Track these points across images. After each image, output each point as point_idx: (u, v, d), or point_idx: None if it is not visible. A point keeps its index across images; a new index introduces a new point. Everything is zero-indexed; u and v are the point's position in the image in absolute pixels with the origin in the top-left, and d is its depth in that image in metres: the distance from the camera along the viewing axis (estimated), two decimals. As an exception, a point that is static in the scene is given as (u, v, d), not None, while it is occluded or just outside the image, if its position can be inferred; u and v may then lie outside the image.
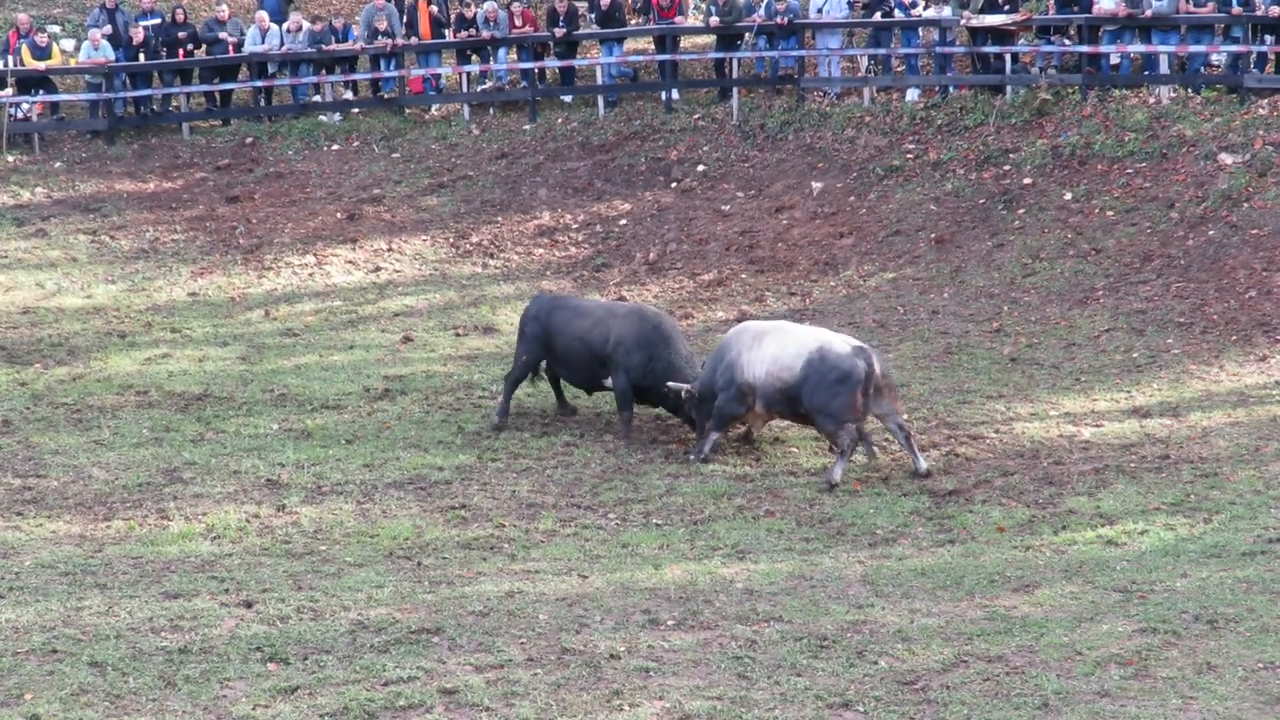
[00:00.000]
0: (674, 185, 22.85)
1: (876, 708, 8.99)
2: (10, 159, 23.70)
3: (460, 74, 24.73)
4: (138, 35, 24.24)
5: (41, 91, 24.14)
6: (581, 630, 10.23)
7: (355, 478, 14.11)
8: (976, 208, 21.25)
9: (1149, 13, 22.25)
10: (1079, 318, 18.56)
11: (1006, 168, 21.72)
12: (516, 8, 24.68)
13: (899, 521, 12.97)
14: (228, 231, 22.18)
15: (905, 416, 14.60)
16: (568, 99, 24.83)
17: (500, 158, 23.64)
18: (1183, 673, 9.36)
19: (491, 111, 24.64)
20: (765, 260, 21.01)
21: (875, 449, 14.42)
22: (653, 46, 24.97)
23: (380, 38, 24.43)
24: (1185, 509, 12.88)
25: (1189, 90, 21.97)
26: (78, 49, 24.86)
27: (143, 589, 11.16)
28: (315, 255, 21.62)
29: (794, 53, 23.93)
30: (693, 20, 25.13)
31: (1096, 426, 15.16)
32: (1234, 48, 21.86)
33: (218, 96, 24.82)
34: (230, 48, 24.46)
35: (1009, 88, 22.80)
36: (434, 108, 25.01)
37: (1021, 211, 20.94)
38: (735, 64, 24.18)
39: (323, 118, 24.78)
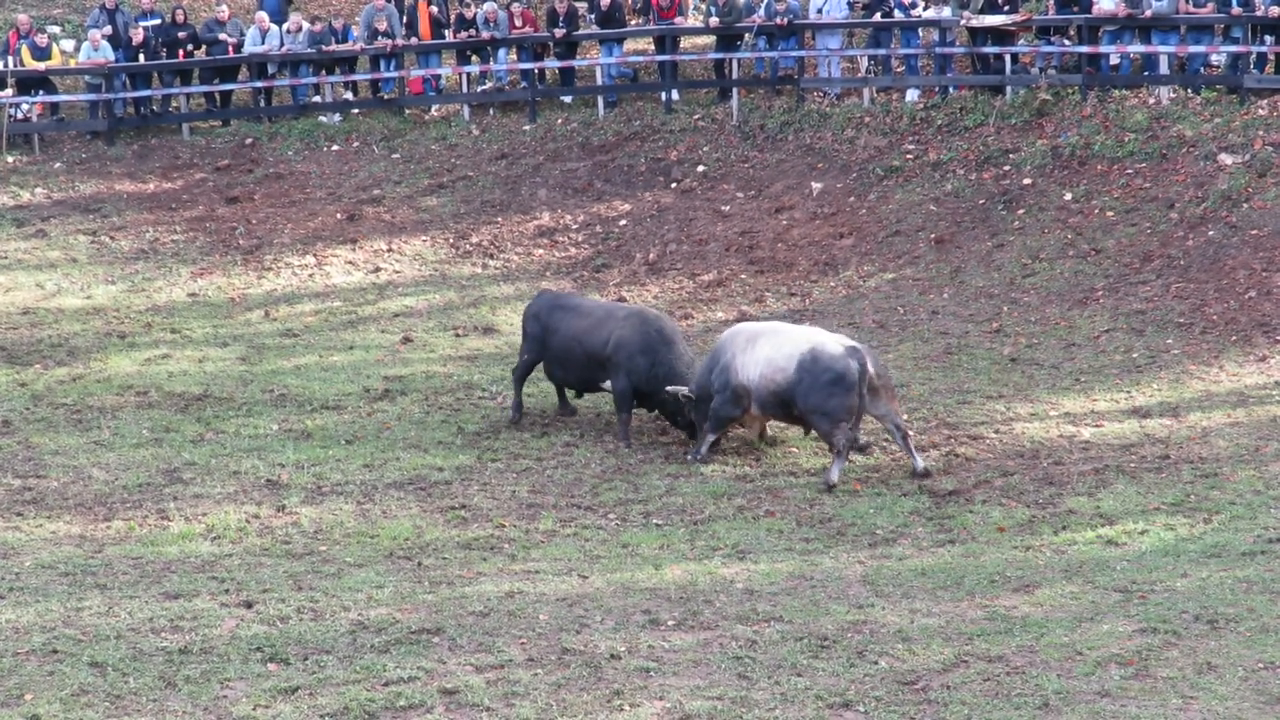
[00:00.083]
0: (674, 186, 22.84)
1: (877, 708, 8.98)
2: (10, 159, 23.69)
3: (460, 74, 24.72)
4: (137, 36, 24.24)
5: (41, 92, 24.13)
6: (582, 630, 10.22)
7: (355, 478, 14.11)
8: (976, 208, 21.24)
9: (1149, 13, 22.24)
10: (1079, 318, 18.55)
11: (1006, 168, 21.71)
12: (516, 8, 24.68)
13: (899, 521, 12.96)
14: (227, 232, 22.17)
15: (905, 417, 14.59)
16: (567, 99, 24.83)
17: (500, 158, 23.63)
18: (1183, 673, 9.35)
19: (491, 112, 24.64)
20: (765, 261, 20.99)
21: (873, 448, 14.42)
22: (652, 47, 24.96)
23: (380, 38, 24.44)
24: (1185, 509, 12.88)
25: (1189, 91, 21.96)
26: (77, 49, 24.85)
27: (143, 589, 11.15)
28: (315, 256, 21.61)
29: (794, 53, 23.93)
30: (692, 21, 25.13)
31: (1096, 427, 15.15)
32: (1234, 48, 21.85)
33: (217, 97, 24.83)
34: (230, 48, 24.46)
35: (1009, 88, 22.80)
36: (434, 108, 25.01)
37: (1021, 212, 20.93)
38: (735, 64, 24.18)
39: (322, 118, 24.77)
